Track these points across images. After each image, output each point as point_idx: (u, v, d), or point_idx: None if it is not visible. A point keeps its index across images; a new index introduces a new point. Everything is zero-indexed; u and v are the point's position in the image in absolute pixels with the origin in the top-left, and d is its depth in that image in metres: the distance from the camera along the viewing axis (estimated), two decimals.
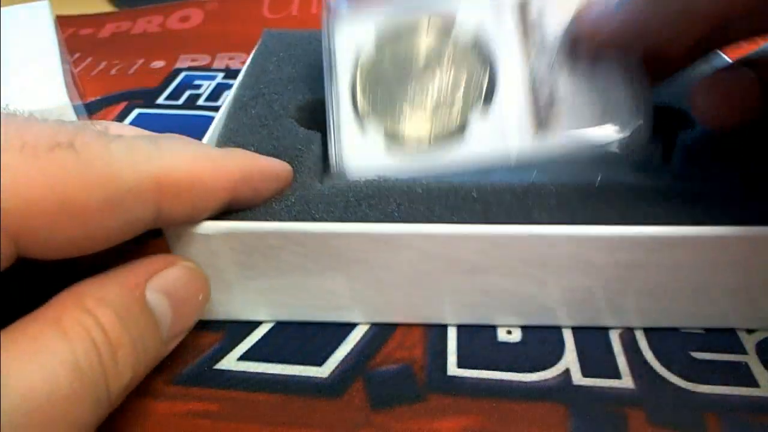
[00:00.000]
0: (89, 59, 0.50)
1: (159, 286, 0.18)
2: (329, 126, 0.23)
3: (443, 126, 0.23)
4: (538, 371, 0.23)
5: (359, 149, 0.23)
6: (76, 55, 0.50)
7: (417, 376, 0.23)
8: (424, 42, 0.24)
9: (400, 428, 0.21)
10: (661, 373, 0.23)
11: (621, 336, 0.24)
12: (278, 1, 0.59)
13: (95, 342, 0.15)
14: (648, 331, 0.24)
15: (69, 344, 0.15)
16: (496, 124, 0.23)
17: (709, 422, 0.21)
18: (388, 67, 0.24)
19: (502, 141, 0.23)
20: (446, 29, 0.24)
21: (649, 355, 0.24)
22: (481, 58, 0.23)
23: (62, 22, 0.52)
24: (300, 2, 0.59)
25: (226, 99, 0.30)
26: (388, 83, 0.24)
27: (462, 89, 0.23)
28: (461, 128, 0.23)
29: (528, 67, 0.23)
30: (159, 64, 0.48)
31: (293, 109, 0.27)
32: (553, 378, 0.23)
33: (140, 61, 0.49)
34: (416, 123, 0.23)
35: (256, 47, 0.34)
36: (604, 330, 0.24)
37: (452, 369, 0.23)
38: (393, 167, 0.23)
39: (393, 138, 0.23)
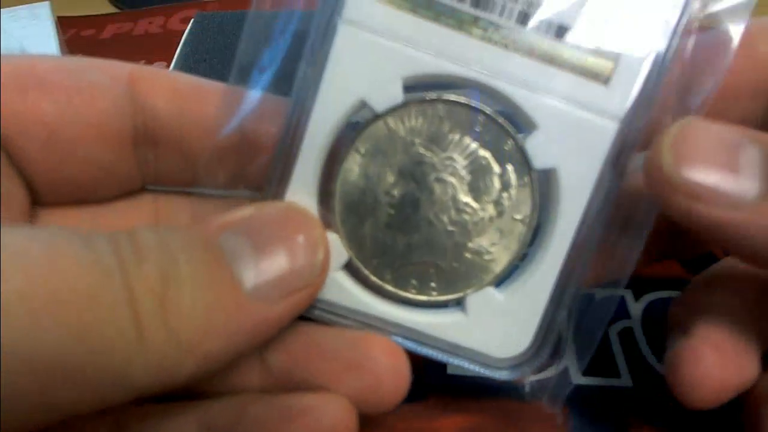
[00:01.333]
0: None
1: (232, 223, 0.15)
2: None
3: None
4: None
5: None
6: (78, 56, 0.50)
7: (417, 375, 0.23)
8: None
9: (401, 427, 0.21)
10: (661, 371, 0.23)
11: (619, 334, 0.25)
12: (279, 2, 0.59)
13: (118, 242, 0.13)
14: (647, 330, 0.24)
15: (82, 237, 0.13)
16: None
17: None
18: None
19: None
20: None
21: (647, 353, 0.24)
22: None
23: (63, 23, 0.52)
24: (302, 2, 0.58)
25: None
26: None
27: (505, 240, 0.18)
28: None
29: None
30: (161, 65, 0.48)
31: None
32: (553, 377, 0.23)
33: (142, 62, 0.49)
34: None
35: (184, 35, 0.34)
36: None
37: (452, 367, 0.23)
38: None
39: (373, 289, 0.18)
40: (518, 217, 0.18)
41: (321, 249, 0.16)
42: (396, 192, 0.18)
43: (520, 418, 0.21)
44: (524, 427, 0.21)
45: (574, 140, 0.17)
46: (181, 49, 0.39)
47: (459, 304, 0.18)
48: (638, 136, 0.17)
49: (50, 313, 0.12)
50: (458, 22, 0.17)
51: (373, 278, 0.18)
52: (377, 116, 0.17)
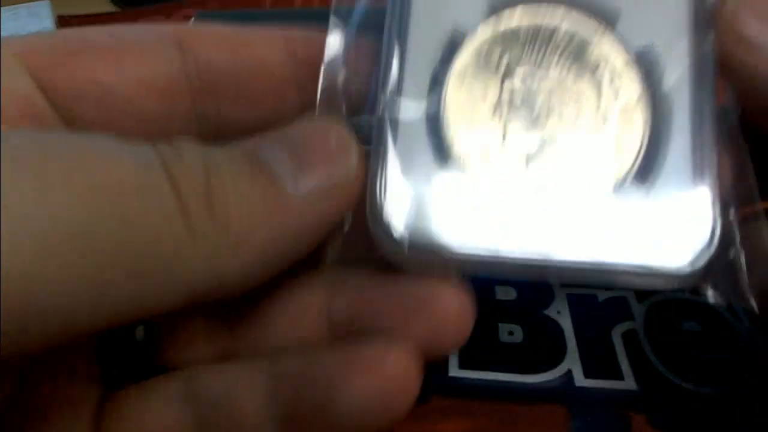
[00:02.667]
0: None
1: (267, 137, 0.16)
2: (378, 169, 0.16)
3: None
4: (541, 373, 0.23)
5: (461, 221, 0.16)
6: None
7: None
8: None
9: (403, 431, 0.21)
10: (665, 374, 0.23)
11: (623, 336, 0.24)
12: (279, 1, 0.58)
13: (156, 143, 0.14)
14: (650, 332, 0.24)
15: (119, 138, 0.14)
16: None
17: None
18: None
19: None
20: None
21: (651, 355, 0.23)
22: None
23: (63, 23, 0.52)
24: (302, 1, 0.58)
25: None
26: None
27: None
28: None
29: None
30: None
31: None
32: (556, 379, 0.22)
33: None
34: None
35: None
36: (607, 329, 0.24)
37: (454, 370, 0.23)
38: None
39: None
40: (632, 98, 0.17)
41: (353, 150, 0.16)
42: (505, 108, 0.17)
43: (523, 421, 0.21)
44: (526, 429, 0.20)
45: (659, 14, 0.17)
46: None
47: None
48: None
49: (95, 200, 0.12)
50: None
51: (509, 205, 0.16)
52: (467, 37, 0.17)
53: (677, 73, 0.17)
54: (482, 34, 0.18)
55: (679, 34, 0.17)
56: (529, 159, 0.17)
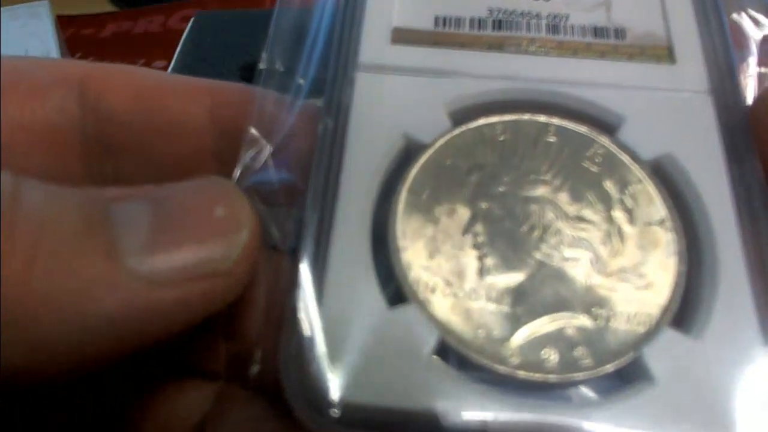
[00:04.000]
0: (90, 59, 0.49)
1: (137, 191, 0.13)
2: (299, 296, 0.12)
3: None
4: None
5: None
6: (77, 55, 0.49)
7: None
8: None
9: None
10: None
11: None
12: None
13: None
14: None
15: None
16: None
17: None
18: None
19: None
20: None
21: None
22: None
23: (63, 22, 0.51)
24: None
25: None
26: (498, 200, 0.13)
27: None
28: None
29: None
30: (160, 64, 0.47)
31: None
32: None
33: (141, 61, 0.48)
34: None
35: (184, 35, 0.32)
36: None
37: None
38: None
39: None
40: (653, 219, 0.13)
41: (246, 228, 0.12)
42: (480, 229, 0.13)
43: None
44: None
45: (674, 121, 0.14)
46: (181, 49, 0.38)
47: (629, 374, 0.12)
48: (741, 106, 0.15)
49: None
50: (485, 45, 0.15)
51: (485, 362, 0.12)
52: (426, 147, 0.14)
53: (711, 188, 0.13)
54: (443, 144, 0.14)
55: (705, 140, 0.14)
56: (514, 296, 0.13)
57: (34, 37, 0.40)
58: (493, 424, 0.11)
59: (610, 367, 0.12)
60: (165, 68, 0.45)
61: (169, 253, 0.11)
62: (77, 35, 0.54)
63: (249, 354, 0.13)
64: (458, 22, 0.16)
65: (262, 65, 0.15)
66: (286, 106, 0.15)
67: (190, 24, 0.41)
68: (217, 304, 0.12)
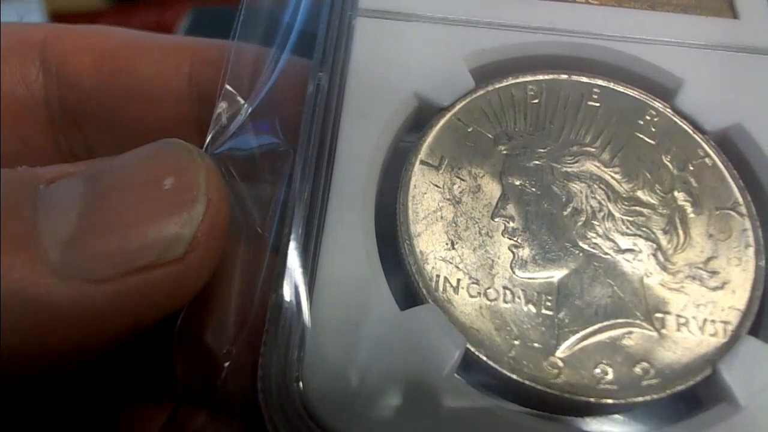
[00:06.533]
0: None
1: (79, 172, 0.10)
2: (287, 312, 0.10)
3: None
4: None
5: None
6: None
7: None
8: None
9: None
10: None
11: None
12: None
13: None
14: None
15: None
16: None
17: None
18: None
19: None
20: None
21: None
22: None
23: (56, 19, 0.51)
24: None
25: None
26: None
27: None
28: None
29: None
30: None
31: None
32: None
33: None
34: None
35: (179, 31, 0.31)
36: None
37: None
38: None
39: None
40: (723, 204, 0.11)
41: (202, 199, 0.09)
42: (512, 212, 0.10)
43: None
44: None
45: (743, 85, 0.12)
46: None
47: (711, 390, 0.10)
48: None
49: None
50: None
51: (522, 376, 0.09)
52: (443, 111, 0.11)
53: None
54: (464, 107, 0.11)
55: None
56: (556, 297, 0.10)
57: None
58: None
59: (680, 387, 0.09)
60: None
61: (102, 240, 0.09)
62: None
63: (214, 366, 0.10)
64: None
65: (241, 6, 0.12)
66: (268, 59, 0.12)
67: (185, 20, 0.40)
68: (170, 301, 0.09)
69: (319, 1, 0.12)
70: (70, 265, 0.09)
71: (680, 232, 0.10)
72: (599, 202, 0.11)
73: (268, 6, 0.13)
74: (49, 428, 0.12)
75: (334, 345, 0.09)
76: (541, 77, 0.12)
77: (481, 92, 0.11)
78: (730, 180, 0.11)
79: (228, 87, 0.12)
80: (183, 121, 0.13)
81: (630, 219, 0.10)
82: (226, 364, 0.10)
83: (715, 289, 0.10)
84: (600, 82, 0.12)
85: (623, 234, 0.10)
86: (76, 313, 0.09)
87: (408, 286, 0.10)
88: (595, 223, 0.10)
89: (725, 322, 0.10)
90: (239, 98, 0.12)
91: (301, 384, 0.09)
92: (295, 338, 0.09)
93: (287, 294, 0.09)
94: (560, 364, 0.09)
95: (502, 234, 0.10)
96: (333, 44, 0.11)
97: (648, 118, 0.11)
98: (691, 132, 0.11)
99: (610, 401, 0.09)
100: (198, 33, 0.39)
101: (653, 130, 0.11)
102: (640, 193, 0.11)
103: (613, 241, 0.10)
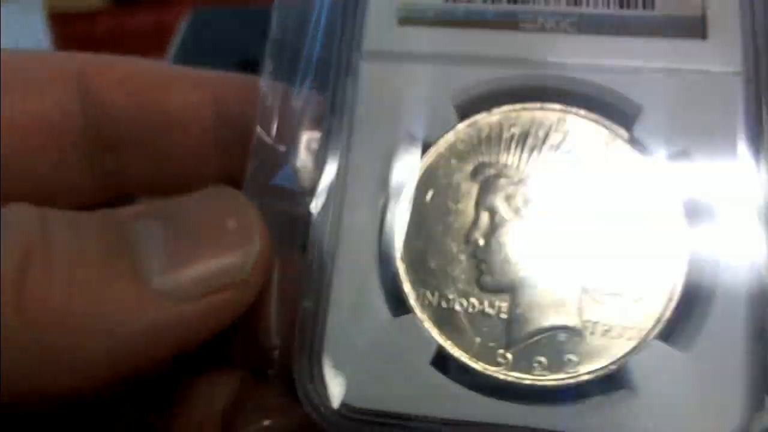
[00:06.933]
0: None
1: (149, 209, 0.13)
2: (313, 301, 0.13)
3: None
4: None
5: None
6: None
7: None
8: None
9: None
10: None
11: None
12: None
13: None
14: None
15: None
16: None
17: None
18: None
19: None
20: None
21: None
22: None
23: (55, 18, 0.51)
24: None
25: None
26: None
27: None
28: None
29: None
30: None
31: None
32: None
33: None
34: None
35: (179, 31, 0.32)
36: None
37: None
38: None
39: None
40: (662, 221, 0.13)
41: (256, 238, 0.13)
42: (479, 235, 0.13)
43: None
44: None
45: (696, 111, 0.13)
46: (175, 46, 0.37)
47: (615, 379, 0.12)
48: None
49: None
50: (497, 23, 0.14)
51: (480, 367, 0.12)
52: (431, 146, 0.13)
53: (724, 189, 0.13)
54: (449, 140, 0.13)
55: (727, 133, 0.13)
56: (510, 304, 0.13)
57: (25, 30, 0.39)
58: (481, 426, 0.12)
59: (599, 374, 0.12)
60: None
61: (188, 269, 0.12)
62: (70, 31, 0.53)
63: (268, 353, 0.13)
64: None
65: (266, 50, 0.14)
66: (293, 99, 0.14)
67: (185, 20, 0.39)
68: (236, 312, 0.13)
69: (332, 43, 0.14)
70: (168, 290, 0.12)
71: (616, 248, 0.13)
72: (552, 225, 0.13)
73: (290, 37, 0.15)
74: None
75: (343, 343, 0.13)
76: (515, 109, 0.13)
77: (462, 128, 0.14)
78: (668, 201, 0.13)
79: (260, 132, 0.14)
80: (206, 148, 0.16)
81: (575, 241, 0.13)
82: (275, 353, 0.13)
83: (637, 300, 0.13)
84: (569, 111, 0.13)
85: (566, 255, 0.13)
86: (177, 327, 0.12)
87: (399, 298, 0.13)
88: (548, 243, 0.13)
89: (641, 330, 0.12)
90: (270, 141, 0.14)
91: (319, 371, 0.12)
92: (318, 338, 0.13)
93: (308, 303, 0.13)
94: (510, 357, 0.13)
95: (472, 255, 0.13)
96: (342, 88, 0.14)
97: (609, 144, 0.13)
98: (641, 158, 0.13)
99: (544, 383, 0.12)
100: (198, 33, 0.40)
101: (609, 156, 0.13)
102: (588, 216, 0.13)
103: (559, 259, 0.13)
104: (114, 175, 0.16)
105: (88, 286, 0.11)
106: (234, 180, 0.15)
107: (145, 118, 0.15)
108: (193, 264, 0.12)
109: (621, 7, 0.14)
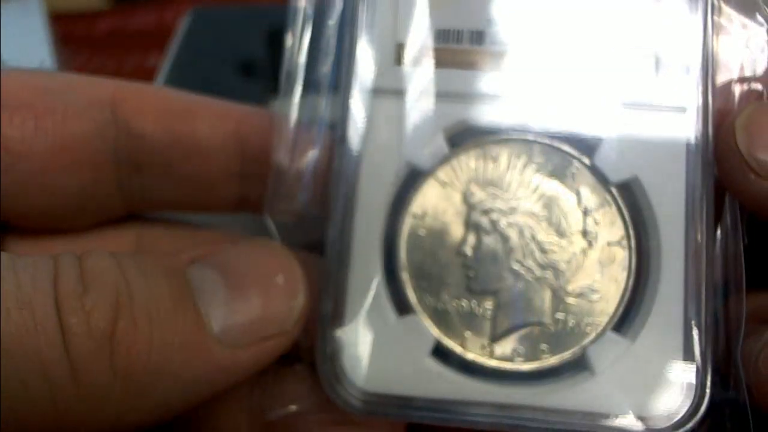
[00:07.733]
0: (84, 56, 0.49)
1: (205, 256, 0.14)
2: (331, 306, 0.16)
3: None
4: None
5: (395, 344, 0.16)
6: (71, 52, 0.49)
7: None
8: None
9: None
10: None
11: None
12: None
13: (60, 266, 0.12)
14: None
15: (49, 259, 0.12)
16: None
17: None
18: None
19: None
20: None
21: None
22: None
23: (55, 18, 0.51)
24: None
25: None
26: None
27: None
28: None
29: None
30: (155, 60, 0.47)
31: None
32: None
33: (137, 58, 0.48)
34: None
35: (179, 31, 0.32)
36: None
37: None
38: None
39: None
40: (613, 240, 0.16)
41: (301, 293, 0.14)
42: (468, 249, 0.16)
43: None
44: None
45: (646, 142, 0.16)
46: (175, 46, 0.37)
47: (578, 363, 0.15)
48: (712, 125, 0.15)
49: None
50: (484, 61, 0.16)
51: (470, 356, 0.15)
52: (426, 174, 0.16)
53: (669, 210, 0.15)
54: (444, 170, 0.16)
55: (671, 165, 0.16)
56: (494, 305, 0.16)
57: (25, 32, 0.39)
58: (471, 404, 0.15)
59: (565, 359, 0.15)
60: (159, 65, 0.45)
61: (243, 319, 0.13)
62: (70, 32, 0.53)
63: (294, 347, 0.15)
64: (458, 35, 0.16)
65: (282, 80, 0.17)
66: (308, 133, 0.16)
67: (184, 20, 0.39)
68: (276, 358, 0.14)
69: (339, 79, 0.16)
70: (227, 338, 0.13)
71: (579, 261, 0.16)
72: (527, 242, 0.16)
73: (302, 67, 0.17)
74: None
75: (358, 340, 0.15)
76: (498, 140, 0.16)
77: (453, 156, 0.16)
78: (620, 221, 0.16)
79: (279, 164, 0.16)
80: (229, 174, 0.17)
81: (545, 253, 0.16)
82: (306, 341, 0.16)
83: (595, 301, 0.16)
84: (544, 141, 0.16)
85: (539, 265, 0.16)
86: (229, 370, 0.13)
87: (403, 302, 0.16)
88: (524, 256, 0.16)
89: (598, 324, 0.15)
90: (284, 167, 0.16)
91: (338, 362, 0.15)
92: (338, 336, 0.15)
93: (327, 307, 0.15)
94: (495, 347, 0.16)
95: (462, 265, 0.16)
96: (346, 123, 0.16)
97: (573, 171, 0.16)
98: (599, 183, 0.16)
99: (522, 368, 0.15)
100: (198, 33, 0.40)
101: (573, 181, 0.16)
102: (554, 235, 0.16)
103: (531, 270, 0.16)
104: (139, 193, 0.17)
105: (164, 334, 0.12)
106: (250, 201, 0.18)
107: (172, 144, 0.17)
108: (248, 314, 0.13)
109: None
